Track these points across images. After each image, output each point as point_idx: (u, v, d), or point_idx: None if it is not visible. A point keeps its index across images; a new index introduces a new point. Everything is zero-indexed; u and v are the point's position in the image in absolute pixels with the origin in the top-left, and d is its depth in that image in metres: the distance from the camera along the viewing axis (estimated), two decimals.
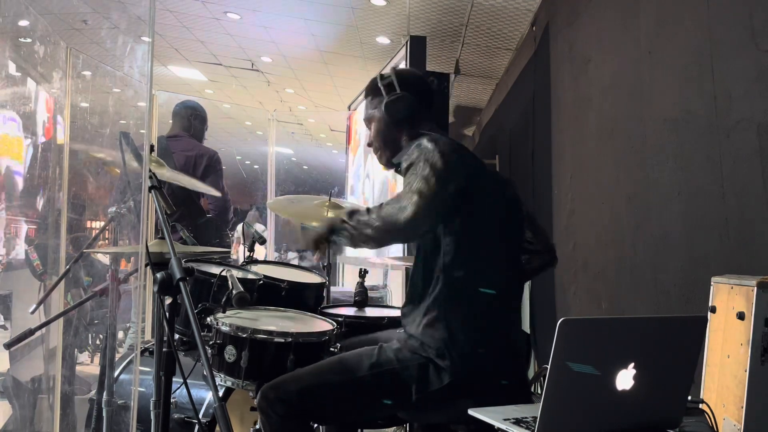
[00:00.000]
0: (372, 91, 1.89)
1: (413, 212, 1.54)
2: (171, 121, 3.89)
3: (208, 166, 3.72)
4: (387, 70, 1.91)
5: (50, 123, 3.22)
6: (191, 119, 3.83)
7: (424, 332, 1.65)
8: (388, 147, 1.87)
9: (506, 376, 1.65)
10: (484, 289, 1.65)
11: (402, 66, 4.36)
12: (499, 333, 1.69)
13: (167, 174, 2.27)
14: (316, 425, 2.03)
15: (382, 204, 1.62)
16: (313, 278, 2.51)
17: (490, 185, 1.74)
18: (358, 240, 1.62)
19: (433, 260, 1.67)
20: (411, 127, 1.82)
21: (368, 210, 1.63)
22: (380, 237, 1.60)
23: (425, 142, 1.65)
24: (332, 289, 2.98)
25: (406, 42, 4.28)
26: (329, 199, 2.57)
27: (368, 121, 1.91)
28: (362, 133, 4.59)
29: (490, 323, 1.66)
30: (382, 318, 2.29)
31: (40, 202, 3.14)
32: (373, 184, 5.47)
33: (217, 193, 3.64)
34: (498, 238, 1.72)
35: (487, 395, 1.58)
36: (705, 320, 1.48)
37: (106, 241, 2.86)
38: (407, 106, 1.80)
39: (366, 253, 5.33)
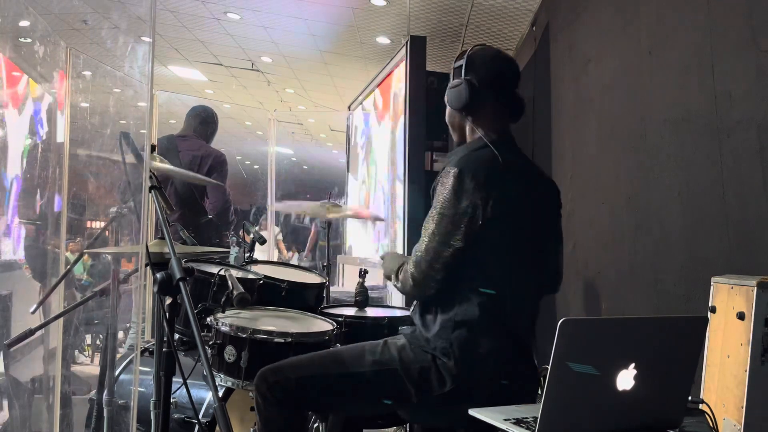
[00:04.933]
0: (453, 71, 1.85)
1: (418, 281, 1.65)
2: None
3: (213, 166, 3.76)
4: (471, 48, 1.83)
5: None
6: (203, 122, 3.94)
7: (429, 328, 1.65)
8: (455, 131, 1.89)
9: (513, 380, 1.64)
10: (499, 293, 1.63)
11: (402, 66, 4.35)
12: (512, 338, 1.67)
13: (168, 167, 2.27)
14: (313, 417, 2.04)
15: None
16: (314, 278, 2.51)
17: (519, 199, 1.69)
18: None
19: (452, 272, 1.67)
20: (472, 114, 1.79)
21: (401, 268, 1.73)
22: (412, 294, 1.73)
23: (448, 177, 1.64)
24: (332, 289, 2.99)
25: (406, 42, 4.28)
26: (329, 200, 2.57)
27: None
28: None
29: (502, 328, 1.64)
30: (383, 318, 2.29)
31: (39, 203, 3.14)
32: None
33: (221, 191, 3.68)
34: (524, 246, 1.69)
35: (490, 398, 1.57)
36: (705, 320, 1.48)
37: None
38: (466, 96, 1.75)
39: (366, 253, 5.33)
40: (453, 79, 1.80)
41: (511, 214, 1.65)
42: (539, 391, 1.78)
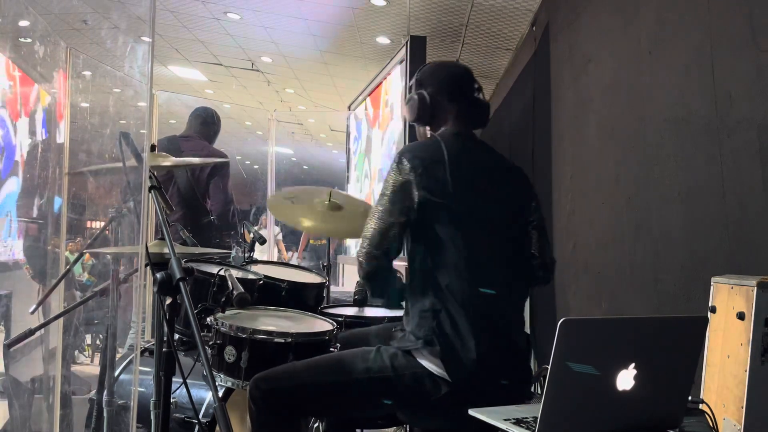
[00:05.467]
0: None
1: (363, 263, 1.69)
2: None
3: (216, 166, 3.77)
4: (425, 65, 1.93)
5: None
6: (206, 123, 3.96)
7: (412, 323, 1.67)
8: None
9: (506, 378, 1.64)
10: (479, 288, 1.64)
11: (402, 66, 4.36)
12: (495, 333, 1.66)
13: (171, 161, 2.27)
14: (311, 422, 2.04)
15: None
16: (313, 278, 2.51)
17: (470, 187, 1.72)
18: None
19: (416, 262, 1.71)
20: (430, 125, 1.85)
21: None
22: (364, 279, 1.74)
23: (393, 161, 1.72)
24: (332, 288, 2.98)
25: (406, 42, 4.28)
26: (329, 199, 2.56)
27: None
28: (395, 104, 4.71)
29: (482, 323, 1.64)
30: (383, 318, 2.29)
31: (39, 203, 3.14)
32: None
33: (223, 192, 3.68)
34: (488, 238, 1.71)
35: (485, 398, 1.56)
36: (705, 320, 1.48)
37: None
38: (420, 107, 1.82)
39: None
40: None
41: (462, 200, 1.68)
42: (535, 389, 1.78)
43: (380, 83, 5.10)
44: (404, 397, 1.64)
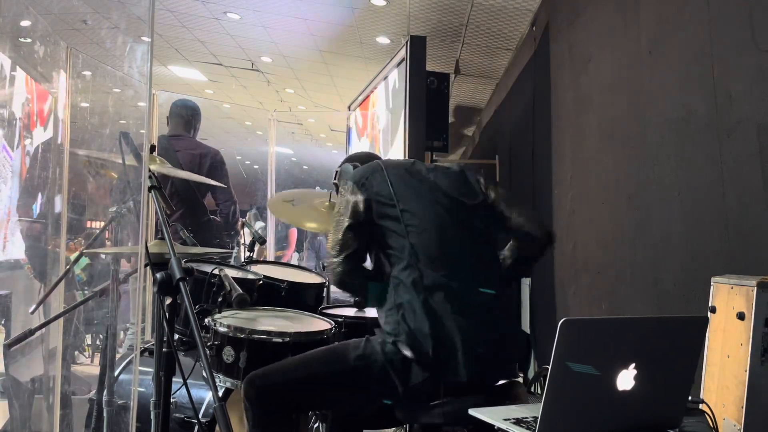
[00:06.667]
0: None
1: (328, 267, 1.84)
2: (168, 120, 3.89)
3: (214, 165, 3.74)
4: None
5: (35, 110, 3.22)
6: (192, 119, 3.85)
7: (381, 321, 1.75)
8: None
9: (482, 357, 1.65)
10: (432, 283, 1.69)
11: (402, 66, 4.35)
12: (461, 316, 1.67)
13: (173, 171, 2.28)
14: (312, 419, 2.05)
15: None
16: (313, 278, 2.51)
17: (410, 191, 1.84)
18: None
19: (377, 265, 1.86)
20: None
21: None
22: (333, 282, 1.88)
23: (342, 188, 1.90)
24: (332, 289, 2.98)
25: (406, 42, 4.28)
26: (329, 200, 2.56)
27: None
28: (379, 117, 4.78)
29: (439, 308, 1.67)
30: None
31: (39, 203, 3.14)
32: None
33: (228, 190, 3.68)
34: (440, 233, 1.77)
35: (472, 391, 1.61)
36: (705, 320, 1.48)
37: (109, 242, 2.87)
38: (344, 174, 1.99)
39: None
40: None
41: (402, 198, 1.80)
42: (535, 389, 1.79)
43: (381, 82, 5.10)
44: (393, 381, 1.66)
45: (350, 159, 2.13)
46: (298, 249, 9.58)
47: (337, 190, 2.07)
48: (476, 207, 1.86)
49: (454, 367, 1.63)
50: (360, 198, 1.81)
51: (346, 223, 1.80)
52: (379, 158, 2.08)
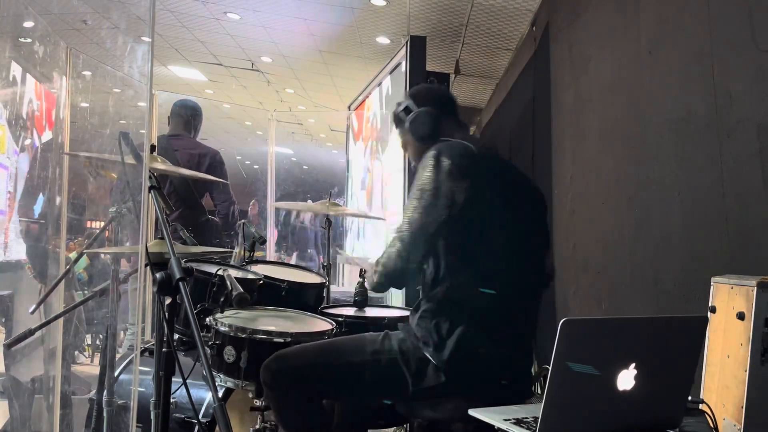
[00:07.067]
0: (396, 119, 1.94)
1: (403, 254, 1.67)
2: (169, 120, 3.89)
3: (212, 165, 3.73)
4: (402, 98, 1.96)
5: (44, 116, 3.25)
6: (192, 119, 3.84)
7: (417, 322, 1.70)
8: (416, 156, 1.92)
9: (506, 377, 1.65)
10: (484, 289, 1.65)
11: (402, 66, 4.36)
12: (501, 334, 1.67)
13: (173, 169, 2.28)
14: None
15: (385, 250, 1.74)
16: (313, 278, 2.51)
17: (495, 186, 1.72)
18: (373, 287, 1.78)
19: (430, 266, 1.72)
20: (437, 139, 1.83)
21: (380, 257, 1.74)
22: (394, 270, 1.70)
23: (427, 159, 1.69)
24: (332, 288, 2.98)
25: (406, 42, 4.28)
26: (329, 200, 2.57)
27: (404, 146, 1.98)
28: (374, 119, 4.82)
29: (488, 323, 1.65)
30: (383, 318, 2.29)
31: (39, 203, 3.14)
32: (372, 178, 5.53)
33: (227, 190, 3.67)
34: (507, 240, 1.69)
35: (484, 396, 1.58)
36: (705, 320, 1.48)
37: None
38: (428, 120, 1.83)
39: (367, 253, 5.34)
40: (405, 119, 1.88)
41: (489, 200, 1.67)
42: (535, 389, 1.79)
43: (380, 82, 5.12)
44: (407, 379, 1.66)
45: (418, 96, 1.89)
46: (302, 250, 9.60)
47: (397, 125, 1.92)
48: (544, 230, 1.85)
49: (473, 387, 1.63)
50: (460, 186, 1.63)
51: (437, 212, 1.64)
52: (453, 99, 1.93)
